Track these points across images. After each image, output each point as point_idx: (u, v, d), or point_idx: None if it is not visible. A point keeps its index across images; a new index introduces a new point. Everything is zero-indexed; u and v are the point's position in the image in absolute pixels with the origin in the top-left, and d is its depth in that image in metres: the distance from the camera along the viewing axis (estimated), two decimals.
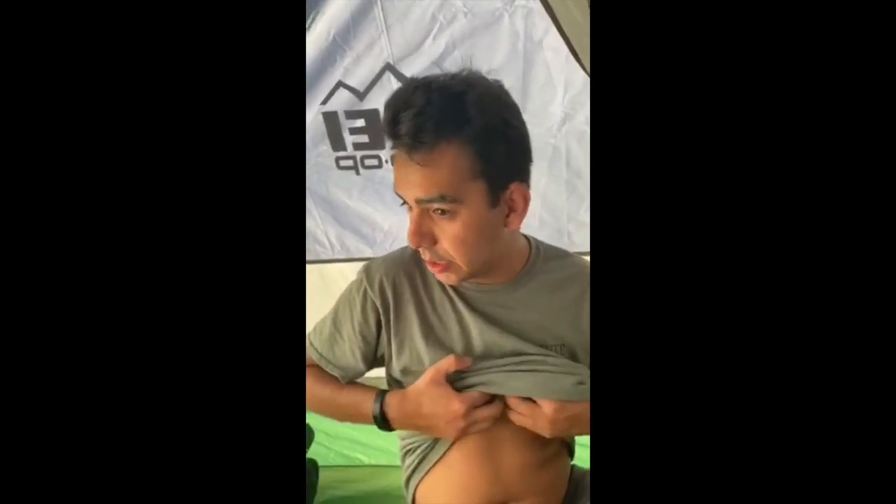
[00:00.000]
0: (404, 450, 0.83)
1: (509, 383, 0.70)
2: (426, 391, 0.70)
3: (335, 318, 0.79)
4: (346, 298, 0.78)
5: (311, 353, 0.80)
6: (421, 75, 0.69)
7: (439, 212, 0.65)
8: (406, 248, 0.78)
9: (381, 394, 0.75)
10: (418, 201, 0.65)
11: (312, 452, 1.58)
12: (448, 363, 0.70)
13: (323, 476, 1.61)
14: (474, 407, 0.70)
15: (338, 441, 1.67)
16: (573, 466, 0.88)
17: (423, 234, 0.66)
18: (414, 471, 0.81)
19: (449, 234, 0.66)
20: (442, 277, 0.71)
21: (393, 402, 0.73)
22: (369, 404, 0.74)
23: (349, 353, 0.77)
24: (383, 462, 1.64)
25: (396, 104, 0.63)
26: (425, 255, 0.70)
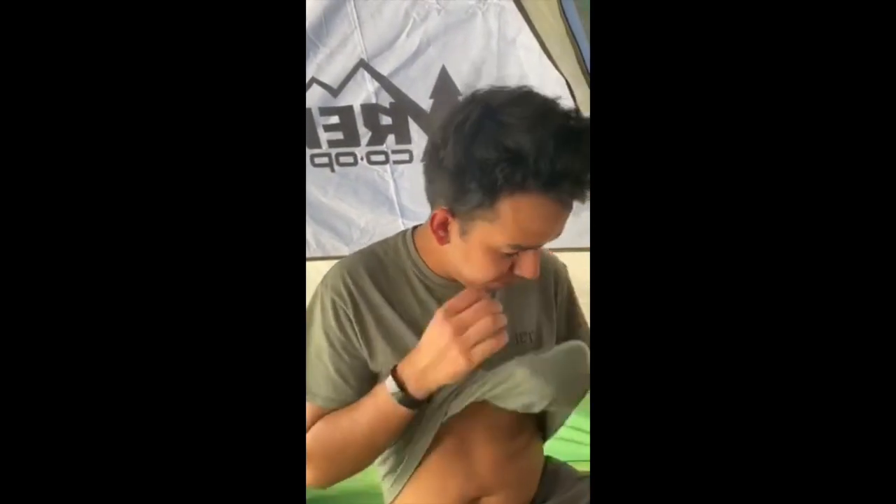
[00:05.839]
0: (382, 476, 0.83)
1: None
2: (425, 337, 0.65)
3: (313, 348, 0.73)
4: (315, 322, 0.73)
5: (309, 401, 0.73)
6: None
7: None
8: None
9: (389, 375, 0.68)
10: (550, 240, 0.64)
11: None
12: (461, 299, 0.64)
13: None
14: (459, 313, 0.62)
15: None
16: (547, 458, 0.89)
17: None
18: (392, 484, 0.81)
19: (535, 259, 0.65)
20: None
21: (405, 370, 0.66)
22: (385, 392, 0.67)
23: (339, 379, 0.72)
24: None
25: (557, 145, 0.57)
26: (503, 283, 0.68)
